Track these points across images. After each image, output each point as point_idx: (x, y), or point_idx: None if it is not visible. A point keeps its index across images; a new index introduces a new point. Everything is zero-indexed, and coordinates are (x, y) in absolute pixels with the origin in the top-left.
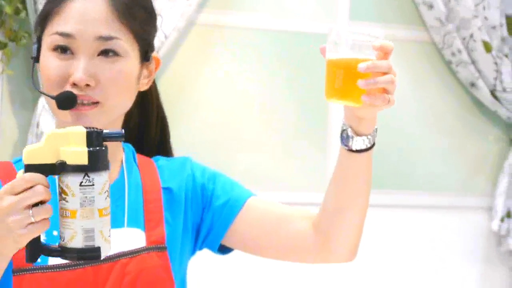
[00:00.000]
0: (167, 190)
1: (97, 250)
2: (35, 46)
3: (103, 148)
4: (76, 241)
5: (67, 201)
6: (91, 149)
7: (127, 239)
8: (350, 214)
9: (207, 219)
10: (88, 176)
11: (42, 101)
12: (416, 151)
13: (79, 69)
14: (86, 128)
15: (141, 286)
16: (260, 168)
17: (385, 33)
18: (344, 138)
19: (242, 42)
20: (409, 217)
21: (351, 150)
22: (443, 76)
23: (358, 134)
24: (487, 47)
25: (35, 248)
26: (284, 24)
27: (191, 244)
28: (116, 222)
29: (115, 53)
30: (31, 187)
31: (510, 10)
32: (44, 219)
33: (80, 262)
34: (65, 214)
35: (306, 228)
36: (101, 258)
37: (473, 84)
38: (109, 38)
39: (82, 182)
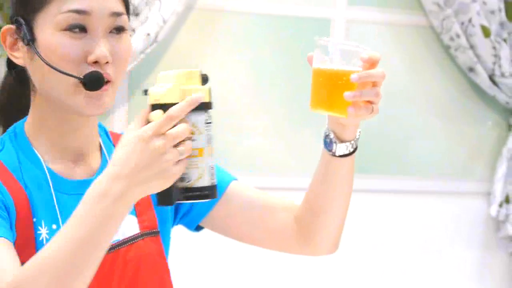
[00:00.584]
0: None
1: (216, 187)
2: (24, 28)
3: (210, 87)
4: (203, 180)
5: (194, 140)
6: (209, 87)
7: (122, 226)
8: (332, 214)
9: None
10: (209, 113)
11: None
12: (414, 137)
13: (100, 46)
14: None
15: (143, 274)
16: (259, 153)
17: (383, 18)
18: (327, 143)
19: (241, 26)
20: (407, 203)
21: (334, 155)
22: (442, 61)
23: (341, 140)
24: (486, 32)
25: (171, 189)
26: (283, 9)
27: (172, 222)
28: None
29: (124, 29)
30: (174, 125)
31: None
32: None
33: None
34: (193, 153)
35: (289, 221)
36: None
37: (471, 69)
38: (120, 14)
39: (206, 119)
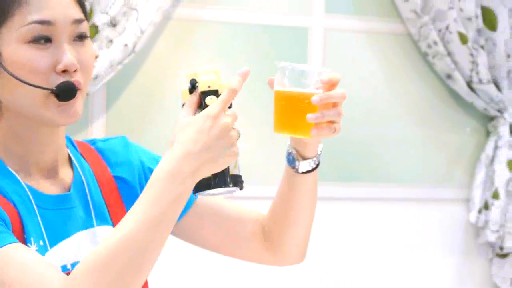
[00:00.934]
0: (121, 179)
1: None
2: None
3: None
4: (237, 169)
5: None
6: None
7: (100, 238)
8: (298, 226)
9: None
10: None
11: None
12: (392, 144)
13: (67, 54)
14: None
15: None
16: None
17: (361, 25)
18: (290, 161)
19: (218, 36)
20: (386, 210)
21: (297, 172)
22: (419, 68)
23: (303, 158)
24: (463, 39)
25: (227, 171)
26: (260, 18)
27: None
28: (86, 224)
29: (86, 36)
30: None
31: (486, 1)
32: None
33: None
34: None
35: (257, 232)
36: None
37: (449, 76)
38: (82, 20)
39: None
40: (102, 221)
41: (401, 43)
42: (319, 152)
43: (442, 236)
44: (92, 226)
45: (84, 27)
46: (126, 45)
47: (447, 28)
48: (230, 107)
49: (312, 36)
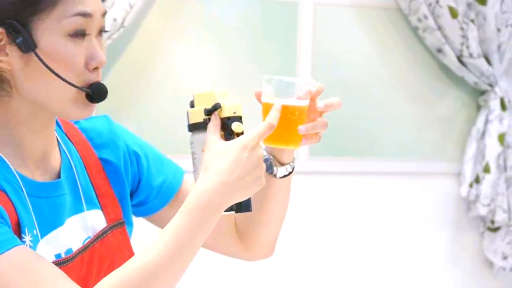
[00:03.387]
0: (106, 162)
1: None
2: (24, 34)
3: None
4: None
5: None
6: None
7: (91, 222)
8: (270, 226)
9: (141, 193)
10: None
11: None
12: (383, 118)
13: (99, 51)
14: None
15: (117, 267)
16: None
17: (351, 0)
18: (268, 167)
19: (208, 11)
20: (377, 184)
21: (274, 177)
22: (410, 42)
23: (281, 164)
24: (453, 13)
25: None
26: None
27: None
28: (76, 208)
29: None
30: None
31: None
32: None
33: (65, 258)
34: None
35: (231, 227)
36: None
37: (440, 50)
38: (106, 13)
39: None
40: (91, 205)
41: (391, 17)
42: (294, 157)
43: (433, 210)
44: (82, 210)
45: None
46: (115, 19)
47: (437, 2)
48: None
49: (302, 10)
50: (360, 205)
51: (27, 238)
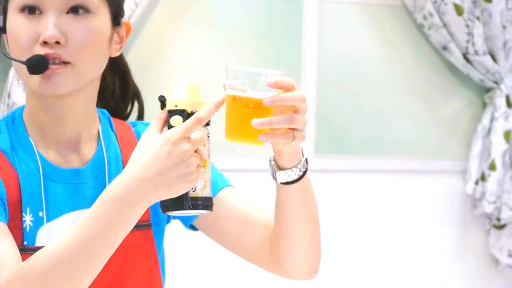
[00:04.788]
0: None
1: (211, 200)
2: (0, 17)
3: None
4: (206, 191)
5: (201, 152)
6: None
7: None
8: (294, 240)
9: None
10: (208, 129)
11: (13, 71)
12: (389, 116)
13: (49, 25)
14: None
15: (128, 267)
16: None
17: None
18: (271, 170)
19: (214, 8)
20: (383, 182)
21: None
22: (415, 39)
23: (280, 168)
24: (459, 10)
25: (184, 196)
26: None
27: (166, 217)
28: None
29: (85, 10)
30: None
31: None
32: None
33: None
34: (199, 164)
35: (265, 240)
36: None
37: (445, 48)
38: None
39: (208, 133)
40: None
41: (397, 15)
42: (299, 164)
43: (439, 208)
44: None
45: (82, 2)
46: None
47: None
48: (208, 124)
49: (307, 7)
50: (366, 203)
51: (28, 217)
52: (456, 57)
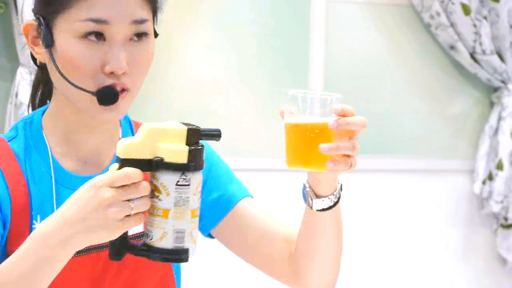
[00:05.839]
0: None
1: (186, 252)
2: (46, 32)
3: (200, 146)
4: (165, 242)
5: (160, 200)
6: (192, 147)
7: None
8: (318, 261)
9: None
10: (185, 176)
11: (21, 70)
12: (396, 115)
13: (118, 57)
14: (185, 124)
15: (140, 274)
16: (244, 135)
17: None
18: (304, 197)
19: (222, 7)
20: (390, 181)
21: (311, 209)
22: (423, 39)
23: (317, 196)
24: (466, 10)
25: (123, 244)
26: None
27: None
28: None
29: (146, 35)
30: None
31: None
32: (139, 213)
33: (89, 249)
34: (157, 213)
35: (285, 253)
36: (188, 261)
37: (452, 47)
38: (143, 21)
39: (178, 181)
40: None
41: (404, 14)
42: (336, 192)
43: (446, 207)
44: None
45: (146, 28)
46: None
47: None
48: (184, 185)
49: (314, 7)
50: (373, 202)
51: (38, 224)
52: (464, 57)
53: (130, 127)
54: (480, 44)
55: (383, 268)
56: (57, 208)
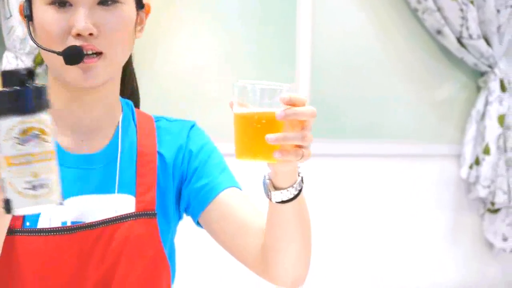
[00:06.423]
0: (161, 155)
1: (7, 202)
2: (26, 4)
3: (10, 90)
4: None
5: None
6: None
7: (117, 205)
8: (281, 254)
9: (185, 194)
10: (13, 122)
11: (7, 55)
12: (383, 100)
13: (81, 18)
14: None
15: (127, 254)
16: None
17: None
18: (264, 189)
19: None
20: (378, 166)
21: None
22: (409, 24)
23: (275, 188)
24: None
25: None
26: None
27: (176, 210)
28: (107, 188)
29: (114, 1)
30: None
31: None
32: None
33: (68, 227)
34: None
35: (258, 246)
36: (14, 213)
37: (439, 32)
38: None
39: (10, 127)
40: (124, 189)
41: None
42: (296, 183)
43: (433, 192)
44: (113, 192)
45: None
46: None
47: None
48: (18, 139)
49: None
50: (361, 187)
51: None
52: (450, 41)
53: (132, 113)
54: (467, 28)
55: (371, 251)
56: None
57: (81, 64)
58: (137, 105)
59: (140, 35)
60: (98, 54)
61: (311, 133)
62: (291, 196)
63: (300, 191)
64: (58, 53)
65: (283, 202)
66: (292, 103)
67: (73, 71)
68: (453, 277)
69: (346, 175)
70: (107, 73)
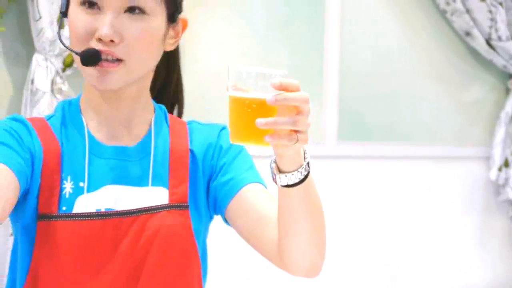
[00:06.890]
0: (192, 152)
1: None
2: (63, 1)
3: None
4: None
5: None
6: None
7: (150, 197)
8: (292, 240)
9: (212, 188)
10: None
11: (36, 57)
12: (412, 102)
13: (105, 24)
14: None
15: (159, 242)
16: None
17: None
18: (271, 173)
19: None
20: (406, 168)
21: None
22: (438, 25)
23: (280, 171)
24: None
25: None
26: None
27: (207, 207)
28: (141, 181)
29: (141, 11)
30: None
31: None
32: None
33: (103, 213)
34: None
35: (275, 237)
36: None
37: (468, 33)
38: None
39: None
40: (158, 182)
41: (420, 1)
42: (302, 167)
43: (462, 194)
44: (147, 184)
45: (141, 2)
46: None
47: None
48: None
49: None
50: (389, 189)
51: (68, 185)
52: (479, 43)
53: (165, 116)
54: (496, 30)
55: (399, 253)
56: (88, 173)
57: (98, 67)
58: (180, 110)
59: (171, 47)
60: (119, 60)
61: (308, 118)
62: (297, 180)
63: (306, 176)
64: (76, 53)
65: (288, 186)
66: (283, 88)
67: (89, 72)
68: (482, 280)
69: (373, 177)
70: (124, 80)
